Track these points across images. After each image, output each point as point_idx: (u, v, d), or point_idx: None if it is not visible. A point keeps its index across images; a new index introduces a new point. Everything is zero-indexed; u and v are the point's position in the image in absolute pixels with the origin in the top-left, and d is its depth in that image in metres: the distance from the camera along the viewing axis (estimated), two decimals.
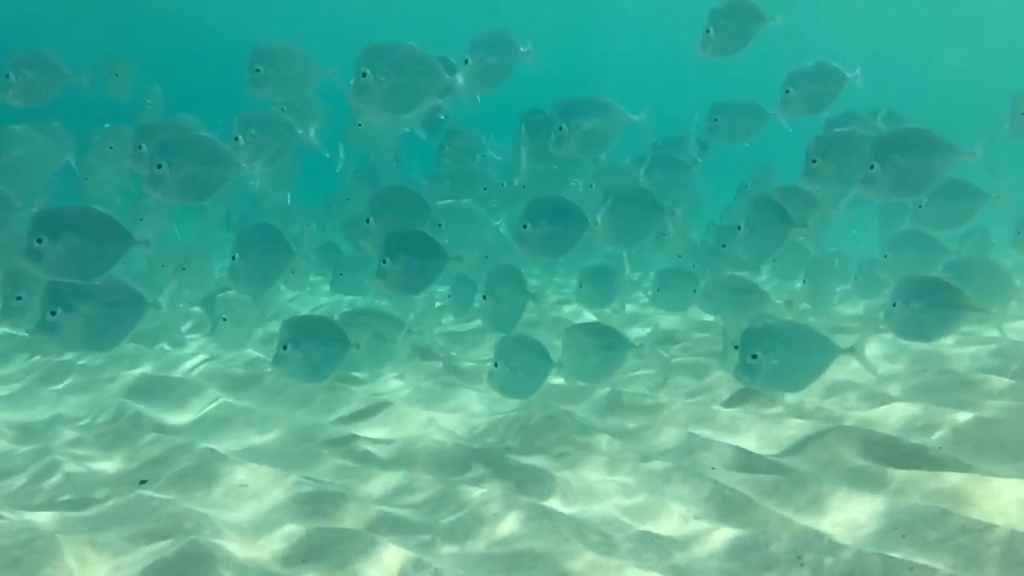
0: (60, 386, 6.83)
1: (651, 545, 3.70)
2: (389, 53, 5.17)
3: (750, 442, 4.94)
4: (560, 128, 6.28)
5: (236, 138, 5.74)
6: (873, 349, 7.07)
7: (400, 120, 6.12)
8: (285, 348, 4.85)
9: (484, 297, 5.67)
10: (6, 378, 7.15)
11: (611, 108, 6.39)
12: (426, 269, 5.23)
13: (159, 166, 4.69)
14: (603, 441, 4.88)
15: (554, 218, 5.48)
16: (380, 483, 4.51)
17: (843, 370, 6.10)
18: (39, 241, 4.10)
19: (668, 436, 4.98)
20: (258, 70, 5.92)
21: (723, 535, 3.67)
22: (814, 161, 6.30)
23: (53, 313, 4.14)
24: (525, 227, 5.43)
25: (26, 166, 5.23)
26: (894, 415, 5.12)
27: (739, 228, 6.35)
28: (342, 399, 6.09)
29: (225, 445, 5.17)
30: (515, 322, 5.78)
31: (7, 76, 5.59)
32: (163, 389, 6.41)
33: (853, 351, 4.54)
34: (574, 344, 5.55)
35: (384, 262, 5.13)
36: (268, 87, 5.97)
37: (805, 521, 3.84)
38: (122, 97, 7.18)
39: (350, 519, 4.01)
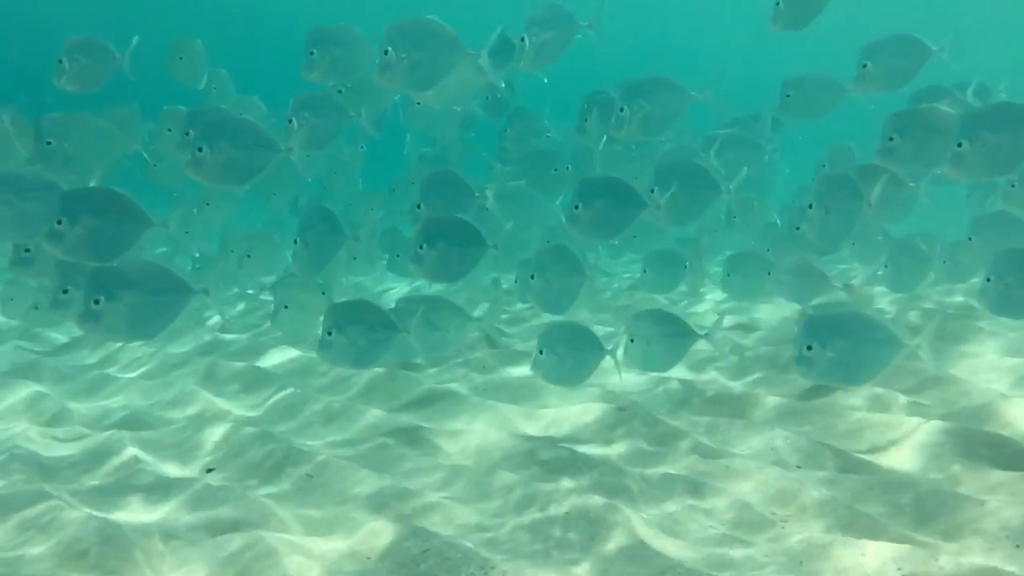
0: (134, 374, 6.93)
1: None
2: (410, 30, 5.11)
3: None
4: (621, 110, 6.11)
5: (290, 120, 5.76)
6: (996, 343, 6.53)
7: (451, 99, 6.03)
8: (330, 334, 4.83)
9: (532, 277, 5.54)
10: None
11: (673, 87, 6.18)
12: (464, 257, 5.13)
13: (200, 149, 4.72)
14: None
15: (607, 198, 5.31)
16: (453, 479, 4.31)
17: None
18: (59, 223, 4.17)
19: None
20: (312, 53, 5.91)
21: None
22: (891, 139, 5.97)
23: (96, 302, 4.15)
24: (577, 207, 5.27)
25: (91, 154, 5.28)
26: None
27: (809, 207, 6.08)
28: (404, 388, 6.00)
29: (292, 433, 5.12)
30: (568, 304, 5.61)
31: (60, 62, 5.66)
32: (230, 377, 6.52)
33: (919, 346, 4.26)
34: (638, 332, 5.39)
35: (420, 248, 5.06)
36: (323, 70, 5.95)
37: None
38: (188, 82, 7.16)
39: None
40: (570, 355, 4.91)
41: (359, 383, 5.97)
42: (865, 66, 6.47)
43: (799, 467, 4.16)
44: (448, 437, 4.78)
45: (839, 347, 4.25)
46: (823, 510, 3.66)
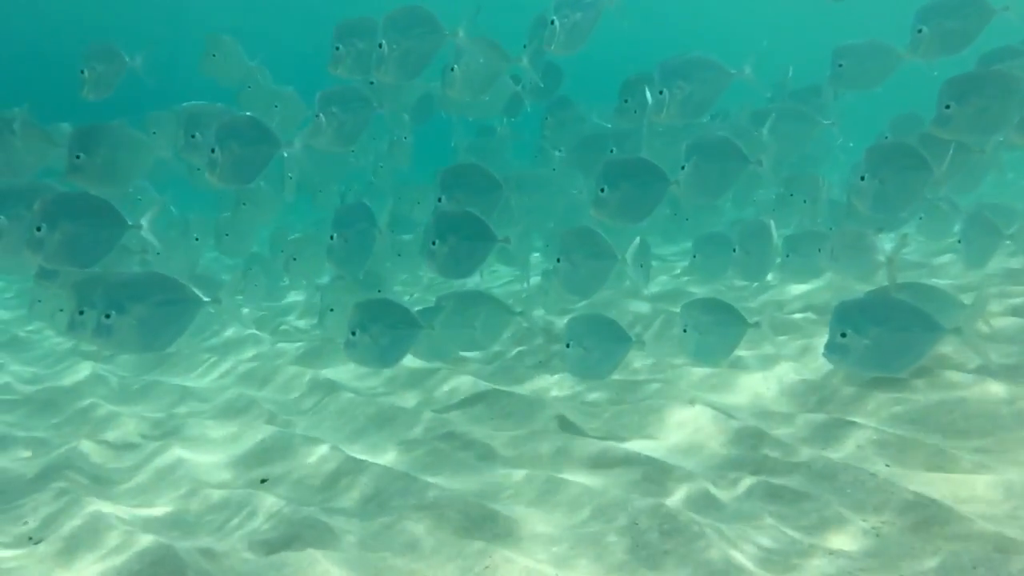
0: (179, 379, 7.04)
1: None
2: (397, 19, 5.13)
3: None
4: (660, 92, 5.96)
5: (317, 115, 5.76)
6: None
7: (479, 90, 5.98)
8: (354, 333, 4.81)
9: (558, 260, 5.42)
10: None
11: (713, 66, 5.99)
12: (474, 251, 5.06)
13: (212, 151, 4.77)
14: None
15: (633, 179, 5.18)
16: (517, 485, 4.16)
17: None
18: (37, 229, 4.19)
19: None
20: (338, 48, 5.91)
21: None
22: (947, 107, 5.65)
23: (107, 316, 4.14)
24: (602, 191, 5.14)
25: (125, 164, 5.33)
26: None
27: (862, 179, 5.80)
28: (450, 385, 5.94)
29: (337, 439, 5.09)
30: (596, 288, 5.48)
31: (82, 72, 5.78)
32: (267, 374, 6.62)
33: (960, 331, 3.99)
34: (691, 321, 5.25)
35: (433, 243, 5.01)
36: (349, 64, 5.94)
37: None
38: (221, 79, 7.08)
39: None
40: (597, 347, 4.80)
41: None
42: (920, 31, 6.14)
43: None
44: None
45: (875, 334, 4.02)
46: None
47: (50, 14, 34.27)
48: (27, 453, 5.15)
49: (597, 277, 5.41)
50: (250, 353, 7.46)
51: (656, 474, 3.99)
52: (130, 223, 4.33)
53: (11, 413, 6.06)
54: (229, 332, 8.04)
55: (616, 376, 5.21)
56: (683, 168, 5.65)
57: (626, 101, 6.82)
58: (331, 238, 5.55)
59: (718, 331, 5.30)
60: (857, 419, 4.39)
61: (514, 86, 7.24)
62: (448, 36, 5.52)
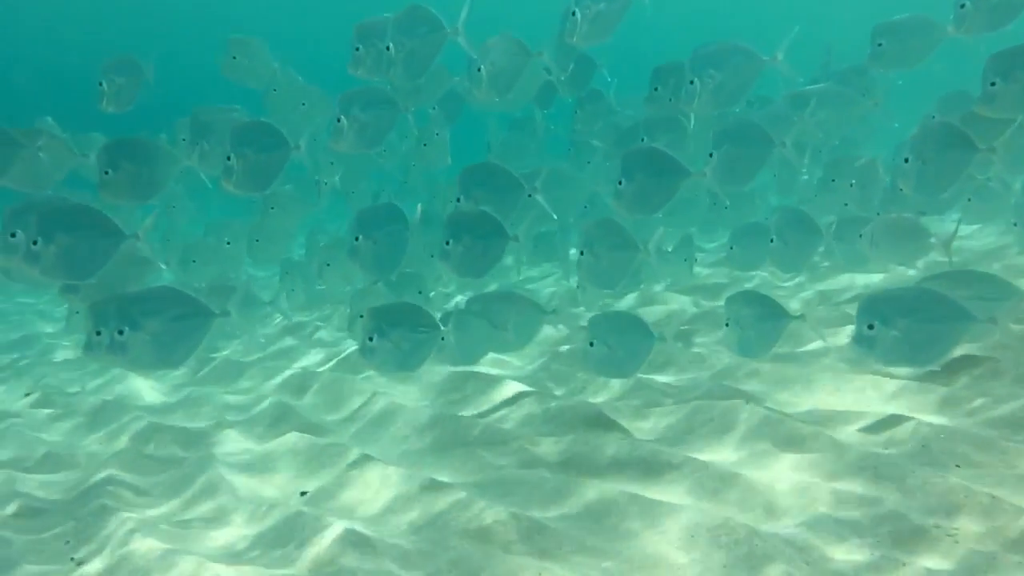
0: (224, 388, 7.12)
1: None
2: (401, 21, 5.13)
3: None
4: (691, 82, 5.87)
5: (338, 119, 5.75)
6: None
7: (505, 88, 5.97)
8: (371, 339, 4.77)
9: (581, 253, 5.36)
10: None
11: (745, 53, 5.88)
12: (488, 250, 5.02)
13: (228, 158, 4.82)
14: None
15: (650, 171, 5.11)
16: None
17: None
18: (34, 243, 4.17)
19: None
20: (359, 49, 5.92)
21: None
22: (992, 84, 5.44)
23: (120, 332, 4.15)
24: (620, 183, 5.10)
25: (149, 178, 5.40)
26: None
27: (905, 160, 5.64)
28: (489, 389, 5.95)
29: (378, 447, 5.12)
30: (619, 279, 5.40)
31: (100, 84, 5.84)
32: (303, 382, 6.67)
33: (995, 321, 3.83)
34: (733, 315, 5.17)
35: (447, 243, 4.99)
36: (370, 65, 5.95)
37: None
38: (243, 82, 7.02)
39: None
40: (621, 345, 4.74)
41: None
42: (963, 6, 5.91)
43: None
44: None
45: (903, 325, 3.89)
46: None
47: (70, 21, 35.06)
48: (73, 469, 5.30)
49: (619, 268, 5.36)
50: (288, 362, 7.56)
51: None
52: (127, 234, 4.38)
53: (56, 426, 6.24)
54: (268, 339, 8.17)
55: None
56: (711, 156, 5.59)
57: (656, 89, 6.73)
58: (355, 239, 5.48)
59: (759, 325, 5.20)
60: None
61: (547, 75, 7.20)
62: (449, 34, 5.51)
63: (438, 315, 5.02)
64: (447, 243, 5.05)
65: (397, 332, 4.76)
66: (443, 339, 5.09)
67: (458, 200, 5.37)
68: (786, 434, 4.27)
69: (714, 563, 3.28)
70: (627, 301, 8.07)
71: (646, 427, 4.88)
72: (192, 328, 4.26)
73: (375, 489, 4.31)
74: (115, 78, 5.83)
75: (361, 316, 6.31)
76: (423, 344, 4.80)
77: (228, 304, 4.28)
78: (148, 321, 4.14)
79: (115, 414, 6.10)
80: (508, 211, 5.29)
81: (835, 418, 4.55)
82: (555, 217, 6.18)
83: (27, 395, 6.80)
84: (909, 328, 3.89)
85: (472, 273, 5.13)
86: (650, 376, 5.77)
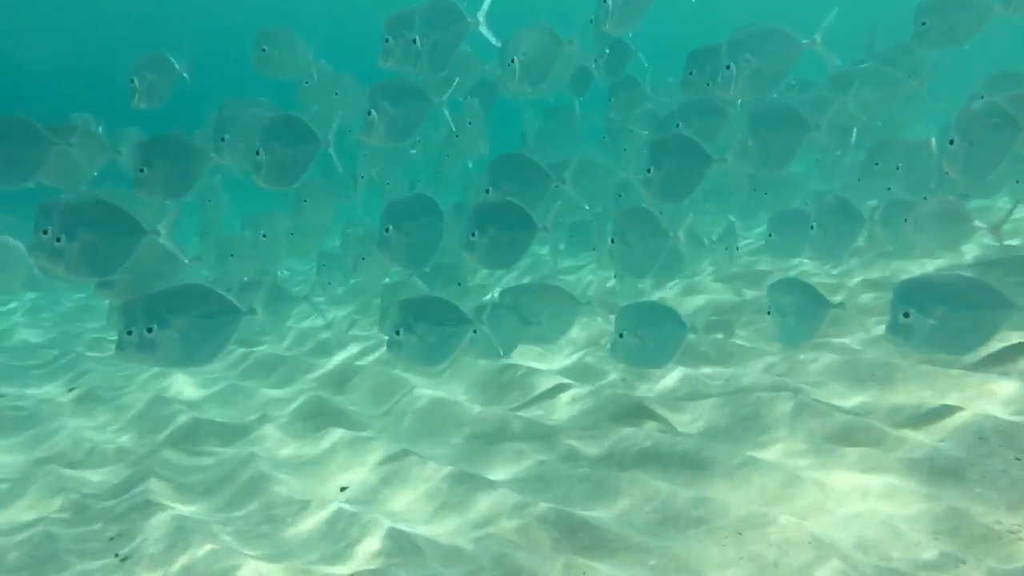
0: (263, 383, 7.17)
1: None
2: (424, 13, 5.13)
3: None
4: (727, 67, 5.81)
5: (369, 112, 5.73)
6: None
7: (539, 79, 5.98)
8: (398, 333, 4.77)
9: (612, 241, 5.37)
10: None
11: (783, 37, 5.80)
12: (514, 241, 5.01)
13: (257, 153, 4.87)
14: None
15: (676, 158, 5.10)
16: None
17: None
18: (58, 240, 4.23)
19: None
20: (388, 40, 5.94)
21: None
22: None
23: (149, 331, 4.20)
24: (649, 171, 5.08)
25: (182, 175, 5.41)
26: None
27: (951, 143, 5.52)
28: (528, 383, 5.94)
29: (419, 442, 5.12)
30: (650, 267, 5.41)
31: (132, 81, 5.92)
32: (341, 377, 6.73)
33: None
34: (775, 303, 5.13)
35: (473, 234, 4.99)
36: (399, 57, 5.96)
37: None
38: (274, 75, 6.96)
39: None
40: (652, 336, 4.71)
41: None
42: None
43: None
44: None
45: (940, 313, 3.80)
46: None
47: (103, 17, 35.51)
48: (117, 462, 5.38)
49: (651, 256, 5.35)
50: (325, 357, 7.61)
51: None
52: (147, 230, 4.44)
53: (100, 422, 6.37)
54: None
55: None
56: (742, 141, 5.56)
57: (691, 74, 6.66)
58: (385, 231, 5.42)
59: (800, 313, 5.14)
60: None
61: (581, 63, 7.16)
62: (471, 24, 5.50)
63: (473, 307, 5.05)
64: (472, 234, 5.06)
65: (424, 326, 4.77)
66: (475, 332, 5.11)
67: (487, 191, 5.37)
68: (837, 428, 4.20)
69: (764, 562, 3.23)
70: (665, 291, 8.01)
71: (689, 420, 4.84)
72: (220, 326, 4.30)
73: (415, 485, 4.34)
74: (146, 75, 5.93)
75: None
76: (450, 338, 4.80)
77: (254, 301, 4.32)
78: (176, 319, 4.19)
79: (158, 409, 6.22)
80: (537, 201, 5.28)
81: (887, 411, 4.47)
82: (587, 207, 6.16)
83: (71, 390, 6.97)
84: (946, 316, 3.80)
85: (498, 264, 5.13)
86: (693, 367, 5.76)
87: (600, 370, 6.06)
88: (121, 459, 5.43)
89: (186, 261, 4.94)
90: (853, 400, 4.81)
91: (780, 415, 4.50)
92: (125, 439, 5.79)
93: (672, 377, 5.55)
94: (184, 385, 7.03)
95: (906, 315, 3.87)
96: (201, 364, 4.34)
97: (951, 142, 5.49)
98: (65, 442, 5.74)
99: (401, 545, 3.60)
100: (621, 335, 4.73)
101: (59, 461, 5.37)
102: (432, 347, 4.77)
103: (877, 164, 7.13)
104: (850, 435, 4.14)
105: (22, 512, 4.64)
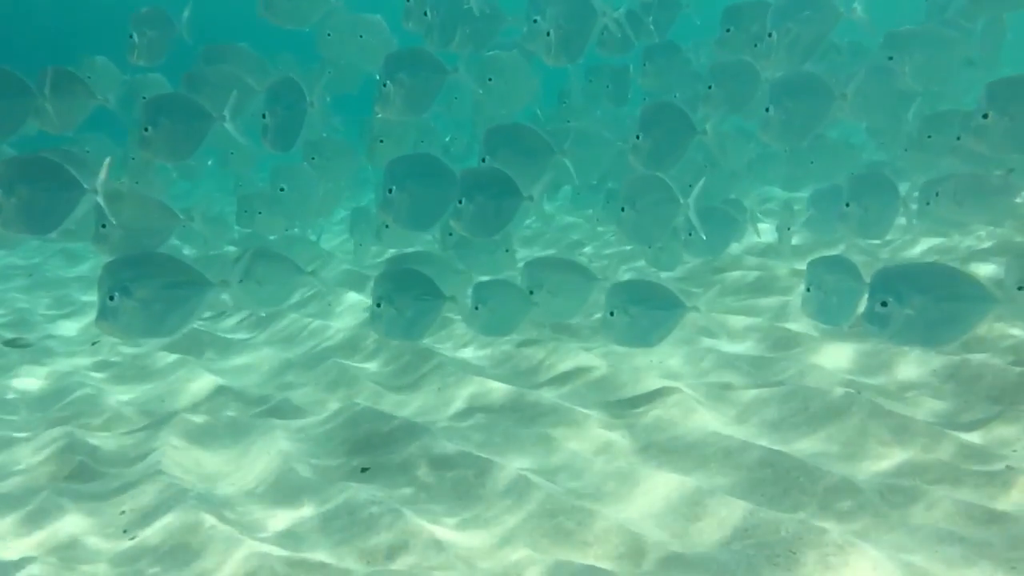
0: (283, 351, 7.27)
1: None
2: None
3: None
4: (770, 35, 5.86)
5: (384, 84, 5.75)
6: None
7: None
8: (379, 305, 4.89)
9: (623, 209, 5.44)
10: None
11: (821, 4, 5.84)
12: (500, 210, 5.13)
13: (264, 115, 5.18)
14: None
15: (662, 127, 5.26)
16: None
17: None
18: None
19: None
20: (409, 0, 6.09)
21: None
22: None
23: (111, 298, 4.20)
24: (638, 138, 5.25)
25: (186, 135, 5.49)
26: None
27: (984, 117, 5.46)
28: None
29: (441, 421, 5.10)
30: (661, 235, 5.52)
31: (131, 37, 6.01)
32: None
33: (1015, 302, 3.70)
34: (815, 279, 5.15)
35: (460, 202, 5.11)
36: (420, 21, 6.12)
37: None
38: (285, 23, 6.60)
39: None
40: (645, 315, 4.82)
41: None
42: None
43: None
44: None
45: (919, 303, 3.82)
46: None
47: None
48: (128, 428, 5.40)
49: (661, 223, 5.45)
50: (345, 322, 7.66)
51: None
52: (86, 187, 4.44)
53: (119, 383, 6.55)
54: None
55: None
56: (767, 111, 5.62)
57: (728, 31, 6.68)
58: (388, 191, 5.27)
59: (838, 290, 5.17)
60: None
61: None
62: None
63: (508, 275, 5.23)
64: (459, 202, 5.16)
65: (403, 299, 4.89)
66: (477, 308, 5.31)
67: (483, 160, 5.48)
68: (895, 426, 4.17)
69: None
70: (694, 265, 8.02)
71: (724, 407, 4.87)
72: (184, 298, 4.37)
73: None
74: (146, 31, 6.08)
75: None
76: (428, 312, 4.93)
77: (230, 274, 4.47)
78: (140, 289, 4.25)
79: (179, 372, 6.38)
80: (537, 172, 5.38)
81: None
82: (576, 181, 6.26)
83: (94, 343, 7.38)
84: (924, 306, 3.82)
85: (484, 233, 5.22)
86: (713, 344, 5.80)
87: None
88: (138, 425, 5.42)
89: (181, 217, 5.14)
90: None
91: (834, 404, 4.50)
92: (143, 403, 5.92)
93: (694, 353, 5.62)
94: (205, 348, 7.34)
95: (884, 304, 3.90)
96: (164, 336, 4.40)
97: (985, 116, 5.41)
98: (83, 404, 5.88)
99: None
100: (611, 313, 4.86)
101: (74, 423, 5.48)
102: (409, 321, 4.93)
103: (930, 137, 7.02)
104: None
105: None
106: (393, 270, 5.02)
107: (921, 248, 7.66)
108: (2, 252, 12.44)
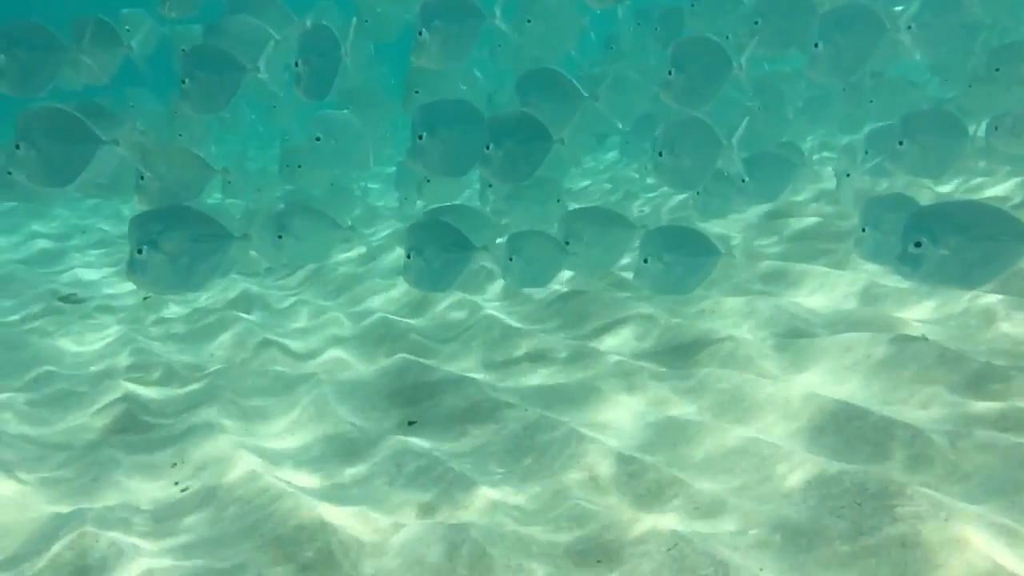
0: (331, 302, 7.49)
1: None
2: None
3: None
4: (815, 46, 5.69)
5: (420, 32, 5.69)
6: None
7: None
8: (409, 256, 4.93)
9: (660, 154, 5.35)
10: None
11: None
12: (530, 154, 5.14)
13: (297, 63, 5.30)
14: None
15: (698, 63, 5.29)
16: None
17: None
18: (16, 147, 4.40)
19: None
20: None
21: None
22: None
23: (139, 251, 4.30)
24: (670, 74, 5.36)
25: (221, 88, 5.54)
26: None
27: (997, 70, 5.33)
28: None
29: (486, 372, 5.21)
30: (701, 178, 5.45)
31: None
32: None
33: None
34: (871, 219, 4.99)
35: (488, 148, 5.10)
36: None
37: None
38: None
39: None
40: (679, 261, 4.79)
41: None
42: None
43: None
44: None
45: (954, 243, 3.70)
46: None
47: None
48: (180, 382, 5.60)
49: (701, 168, 5.36)
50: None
51: None
52: (104, 139, 4.50)
53: (171, 336, 6.75)
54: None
55: None
56: (816, 46, 5.48)
57: None
58: (419, 138, 5.21)
59: (897, 230, 5.06)
60: None
61: None
62: None
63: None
64: (488, 147, 5.12)
65: (431, 250, 4.93)
66: (512, 260, 5.32)
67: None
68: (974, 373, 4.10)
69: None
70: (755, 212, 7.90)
71: (782, 360, 4.82)
72: (209, 251, 4.46)
73: None
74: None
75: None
76: (456, 263, 4.97)
77: (251, 228, 4.55)
78: (168, 242, 4.36)
79: (228, 328, 6.57)
80: (567, 117, 5.33)
81: None
82: (620, 126, 6.17)
83: (146, 299, 7.63)
84: (960, 246, 3.71)
85: (514, 178, 5.20)
86: (775, 294, 5.75)
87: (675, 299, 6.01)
88: (189, 379, 5.62)
89: (216, 169, 5.25)
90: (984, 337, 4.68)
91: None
92: (192, 357, 6.12)
93: (752, 303, 5.57)
94: (253, 300, 7.48)
95: (917, 244, 3.79)
96: (192, 289, 4.53)
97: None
98: (135, 355, 6.08)
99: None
100: (645, 260, 4.83)
101: (127, 375, 5.67)
102: (437, 272, 4.96)
103: (998, 70, 6.74)
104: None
105: None
106: (423, 221, 5.04)
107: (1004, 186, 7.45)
108: (65, 212, 12.93)
